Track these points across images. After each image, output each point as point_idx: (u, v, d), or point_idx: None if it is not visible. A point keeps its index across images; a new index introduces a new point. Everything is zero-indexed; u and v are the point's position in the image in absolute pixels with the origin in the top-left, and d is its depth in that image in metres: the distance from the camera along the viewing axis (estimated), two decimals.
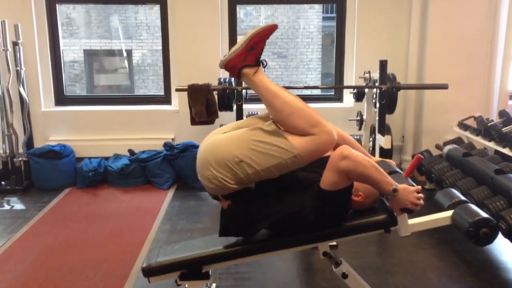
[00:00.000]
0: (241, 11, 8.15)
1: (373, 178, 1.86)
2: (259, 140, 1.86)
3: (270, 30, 1.94)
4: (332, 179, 1.85)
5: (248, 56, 1.92)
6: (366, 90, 4.35)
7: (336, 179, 1.85)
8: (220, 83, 4.17)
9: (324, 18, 8.79)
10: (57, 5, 4.96)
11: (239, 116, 3.97)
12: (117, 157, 4.74)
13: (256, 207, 1.93)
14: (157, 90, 7.67)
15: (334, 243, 2.98)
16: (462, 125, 4.34)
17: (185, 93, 3.97)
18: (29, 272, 2.89)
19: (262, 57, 1.97)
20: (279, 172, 1.88)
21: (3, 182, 4.51)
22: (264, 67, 1.97)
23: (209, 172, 1.88)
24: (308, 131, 1.86)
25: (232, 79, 4.20)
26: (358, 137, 4.45)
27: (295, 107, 1.89)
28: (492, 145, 3.83)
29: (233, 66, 1.94)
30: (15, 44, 4.48)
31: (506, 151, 3.62)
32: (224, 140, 1.90)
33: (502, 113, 4.12)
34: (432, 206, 2.25)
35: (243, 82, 4.02)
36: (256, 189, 1.92)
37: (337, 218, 2.00)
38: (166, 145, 4.66)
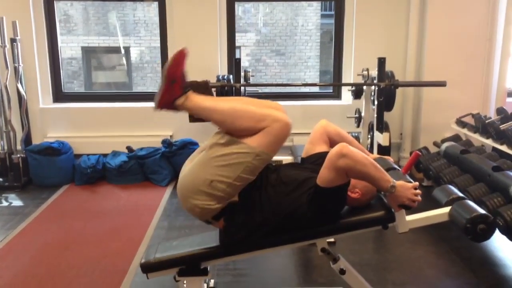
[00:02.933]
0: (240, 8, 8.15)
1: (372, 175, 1.86)
2: (218, 155, 1.89)
3: (179, 57, 1.96)
4: (330, 177, 1.86)
5: (173, 89, 1.94)
6: (365, 87, 4.36)
7: (334, 177, 1.85)
8: (218, 80, 4.16)
9: (323, 16, 8.79)
10: (55, 2, 4.95)
11: None
12: (115, 154, 4.74)
13: (249, 216, 1.95)
14: (155, 87, 7.65)
15: (332, 239, 3.00)
16: (460, 122, 4.34)
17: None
18: (28, 269, 2.90)
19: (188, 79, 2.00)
20: (251, 175, 1.90)
21: (1, 179, 4.51)
22: (189, 90, 1.97)
23: (189, 204, 1.94)
24: (258, 127, 1.87)
25: (231, 76, 4.20)
26: (356, 134, 4.45)
27: (235, 113, 1.91)
28: (489, 142, 3.84)
29: (165, 104, 1.97)
30: (13, 40, 4.47)
31: (503, 148, 3.63)
32: (190, 170, 1.95)
33: (500, 111, 4.13)
34: (430, 203, 2.26)
35: (241, 80, 4.04)
36: (241, 200, 1.94)
37: (333, 215, 2.01)
38: (164, 142, 4.66)
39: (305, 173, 2.04)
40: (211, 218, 1.96)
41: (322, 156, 2.02)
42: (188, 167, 1.98)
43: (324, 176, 1.88)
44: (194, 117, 4.33)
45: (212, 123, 1.96)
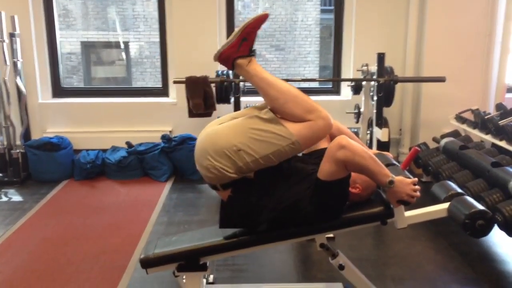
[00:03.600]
0: (239, 3, 8.12)
1: (370, 168, 1.86)
2: (256, 128, 1.87)
3: (261, 19, 1.94)
4: (330, 169, 1.86)
5: (241, 47, 1.92)
6: (364, 83, 4.35)
7: (333, 169, 1.85)
8: (217, 75, 4.16)
9: (322, 11, 8.75)
10: None
11: (237, 108, 3.97)
12: (114, 149, 4.74)
13: (256, 197, 1.93)
14: (155, 82, 7.62)
15: (331, 235, 3.00)
16: (459, 118, 4.34)
17: (183, 85, 3.96)
18: (27, 264, 2.90)
19: (255, 47, 1.98)
20: (278, 159, 1.89)
21: (0, 174, 4.51)
22: (254, 56, 1.96)
23: (207, 161, 1.88)
24: (304, 117, 1.87)
25: (230, 72, 4.19)
26: (355, 130, 4.45)
27: (290, 94, 1.90)
28: (489, 138, 3.84)
29: (227, 57, 1.94)
30: (12, 35, 4.46)
31: (502, 144, 3.63)
32: (222, 130, 1.91)
33: (499, 106, 4.13)
34: (429, 199, 2.27)
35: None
36: (255, 179, 1.92)
37: (335, 210, 2.00)
38: (163, 137, 4.66)
39: (311, 167, 2.04)
40: (220, 184, 1.94)
41: (324, 152, 2.01)
42: (217, 127, 1.93)
43: (324, 169, 1.88)
44: (194, 112, 4.34)
45: (263, 95, 1.93)
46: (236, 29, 1.94)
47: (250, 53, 1.94)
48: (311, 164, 2.07)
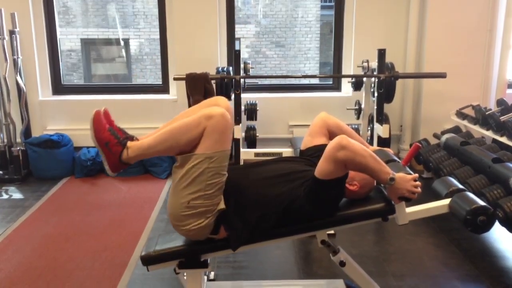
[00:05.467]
0: None
1: (371, 167, 1.86)
2: (180, 177, 1.89)
3: (96, 118, 1.95)
4: (328, 169, 1.86)
5: (112, 149, 1.92)
6: (364, 79, 4.35)
7: (332, 169, 1.85)
8: (218, 72, 4.15)
9: (323, 7, 8.74)
10: None
11: (237, 105, 3.96)
12: None
13: (246, 216, 1.95)
14: (155, 79, 7.63)
15: (332, 231, 3.01)
16: (460, 114, 4.34)
17: (183, 82, 3.96)
18: (28, 261, 2.90)
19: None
20: (219, 177, 1.89)
21: (1, 172, 4.51)
22: (127, 141, 1.95)
23: (183, 231, 1.96)
24: (198, 132, 1.86)
25: (230, 68, 4.18)
26: (356, 126, 4.45)
27: (173, 134, 1.90)
28: (490, 134, 3.83)
29: (116, 166, 1.94)
30: (11, 32, 4.46)
31: (503, 139, 3.63)
32: (168, 203, 1.99)
33: (500, 102, 4.12)
34: (430, 195, 2.26)
35: (241, 71, 4.03)
36: (230, 205, 1.93)
37: (330, 207, 2.01)
38: None
39: (299, 166, 2.04)
40: (210, 234, 1.96)
41: (320, 149, 2.01)
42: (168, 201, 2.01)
43: (322, 168, 1.88)
44: None
45: (163, 155, 1.98)
46: (95, 145, 1.94)
47: (122, 145, 1.92)
48: (297, 163, 2.08)
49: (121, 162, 1.93)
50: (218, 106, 1.93)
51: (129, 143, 1.93)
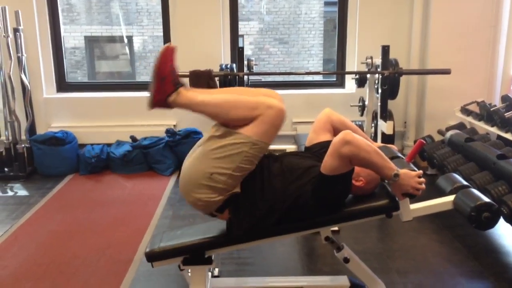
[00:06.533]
0: None
1: (375, 163, 1.86)
2: (216, 148, 1.88)
3: (167, 53, 1.92)
4: (334, 164, 1.85)
5: (164, 86, 1.92)
6: (368, 75, 4.34)
7: (337, 164, 1.85)
8: (221, 69, 4.15)
9: (326, 4, 8.72)
10: None
11: None
12: (119, 143, 4.75)
13: (254, 206, 1.95)
14: None
15: (336, 228, 3.01)
16: (465, 110, 4.32)
17: (187, 79, 3.96)
18: (33, 258, 2.92)
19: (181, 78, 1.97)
20: (250, 164, 1.90)
21: (6, 169, 4.53)
22: (181, 86, 1.95)
23: (191, 198, 1.94)
24: (251, 115, 1.86)
25: (234, 65, 4.19)
26: (360, 123, 4.44)
27: (229, 104, 1.90)
28: (494, 130, 3.82)
29: (159, 102, 1.95)
30: (16, 30, 4.47)
31: (508, 136, 3.61)
32: (190, 164, 1.95)
33: (504, 98, 4.10)
34: (434, 191, 2.26)
35: (244, 68, 4.03)
36: (244, 191, 1.94)
37: (337, 203, 2.01)
38: (168, 131, 4.66)
39: (308, 162, 2.04)
40: (215, 210, 1.97)
41: (325, 145, 2.01)
42: (187, 162, 1.98)
43: (328, 163, 1.88)
44: None
45: (207, 117, 1.95)
46: (151, 73, 1.93)
47: (176, 87, 1.92)
48: (307, 158, 2.07)
49: (165, 102, 1.93)
50: (277, 101, 1.91)
51: (181, 89, 1.93)
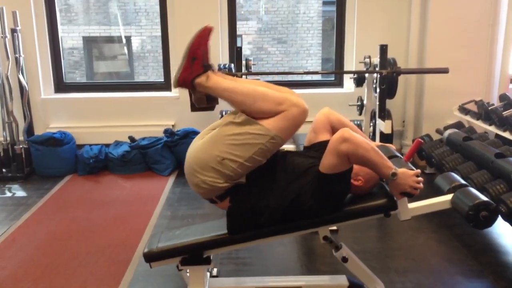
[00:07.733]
0: None
1: (373, 161, 1.86)
2: (233, 133, 1.88)
3: (203, 34, 1.94)
4: (332, 162, 1.86)
5: (193, 66, 1.92)
6: (367, 75, 4.34)
7: (336, 162, 1.85)
8: (220, 69, 4.15)
9: (324, 3, 8.72)
10: None
11: None
12: (117, 144, 4.74)
13: (256, 200, 1.95)
14: (157, 76, 7.63)
15: (335, 227, 3.01)
16: (463, 109, 4.33)
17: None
18: (32, 259, 2.91)
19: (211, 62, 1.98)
20: (263, 157, 1.89)
21: (4, 170, 4.52)
22: (211, 69, 1.96)
23: (197, 178, 1.91)
24: (276, 110, 1.87)
25: (232, 65, 4.18)
26: (358, 122, 4.44)
27: (257, 94, 1.90)
28: (492, 129, 3.82)
29: (184, 81, 1.95)
30: (13, 31, 4.46)
31: (506, 135, 3.62)
32: (202, 145, 1.93)
33: (502, 97, 4.11)
34: (432, 190, 2.26)
35: (243, 68, 4.02)
36: (248, 182, 1.93)
37: (336, 202, 2.01)
38: (166, 131, 4.66)
39: (310, 161, 2.04)
40: (216, 196, 1.96)
41: (325, 145, 2.01)
42: (199, 143, 1.96)
43: (326, 162, 1.88)
44: (196, 106, 4.31)
45: (231, 103, 1.94)
46: (184, 51, 1.94)
47: (205, 69, 1.93)
48: (309, 158, 2.07)
49: (191, 83, 1.93)
50: (302, 100, 1.92)
51: (210, 73, 1.93)
